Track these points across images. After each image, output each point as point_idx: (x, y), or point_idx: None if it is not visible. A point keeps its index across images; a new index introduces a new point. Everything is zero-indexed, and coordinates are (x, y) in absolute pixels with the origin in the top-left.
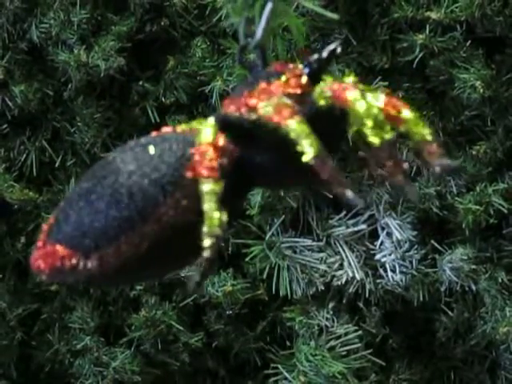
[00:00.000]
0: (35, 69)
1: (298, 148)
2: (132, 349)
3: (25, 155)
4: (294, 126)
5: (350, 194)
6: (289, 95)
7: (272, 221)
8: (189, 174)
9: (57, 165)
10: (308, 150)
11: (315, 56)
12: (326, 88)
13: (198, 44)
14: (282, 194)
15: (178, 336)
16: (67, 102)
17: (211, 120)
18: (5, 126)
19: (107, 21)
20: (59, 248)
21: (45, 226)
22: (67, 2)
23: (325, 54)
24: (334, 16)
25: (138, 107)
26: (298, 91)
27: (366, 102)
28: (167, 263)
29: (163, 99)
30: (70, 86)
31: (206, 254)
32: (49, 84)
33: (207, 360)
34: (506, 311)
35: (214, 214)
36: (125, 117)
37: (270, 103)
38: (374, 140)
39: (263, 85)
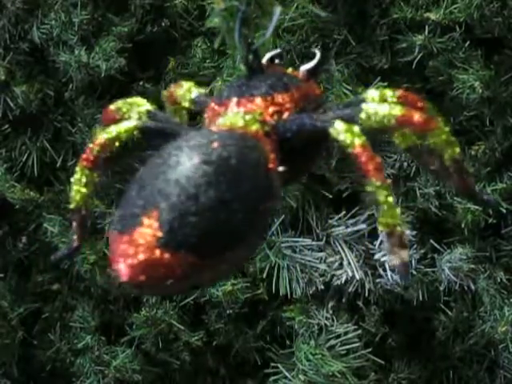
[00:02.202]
0: (36, 69)
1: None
2: (133, 348)
3: (26, 155)
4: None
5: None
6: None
7: (272, 220)
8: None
9: (58, 165)
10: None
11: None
12: (385, 111)
13: (199, 45)
14: (282, 193)
15: (179, 335)
16: (68, 102)
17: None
18: (6, 126)
19: (108, 22)
20: (179, 256)
21: (143, 233)
22: (68, 3)
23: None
24: (321, 13)
25: None
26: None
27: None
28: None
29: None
30: (70, 86)
31: (404, 254)
32: (50, 84)
33: (207, 359)
34: (505, 310)
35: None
36: None
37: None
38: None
39: (257, 100)
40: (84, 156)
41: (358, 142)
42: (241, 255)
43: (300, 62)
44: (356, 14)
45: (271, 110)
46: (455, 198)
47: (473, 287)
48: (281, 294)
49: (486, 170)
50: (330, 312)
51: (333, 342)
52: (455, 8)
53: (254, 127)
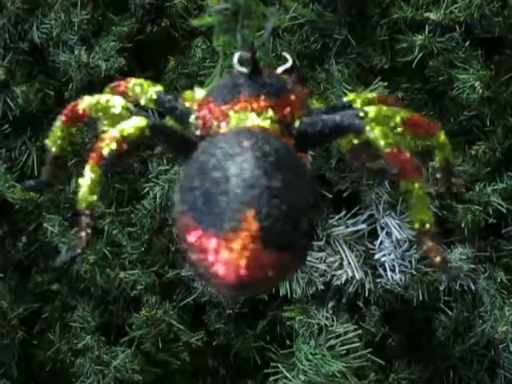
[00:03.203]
0: (36, 69)
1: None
2: (133, 348)
3: (26, 155)
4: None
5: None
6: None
7: None
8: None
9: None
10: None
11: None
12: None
13: (199, 45)
14: None
15: (179, 335)
16: (68, 102)
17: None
18: (6, 126)
19: (108, 21)
20: (277, 254)
21: (243, 234)
22: (68, 3)
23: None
24: (304, 11)
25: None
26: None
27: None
28: None
29: None
30: (70, 86)
31: (441, 250)
32: (50, 84)
33: (207, 359)
34: (505, 310)
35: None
36: None
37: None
38: None
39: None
40: (94, 154)
41: (392, 141)
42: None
43: (300, 62)
44: (356, 13)
45: (282, 109)
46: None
47: (473, 287)
48: (281, 294)
49: (486, 169)
50: (330, 312)
51: (333, 341)
52: (455, 8)
53: (273, 126)
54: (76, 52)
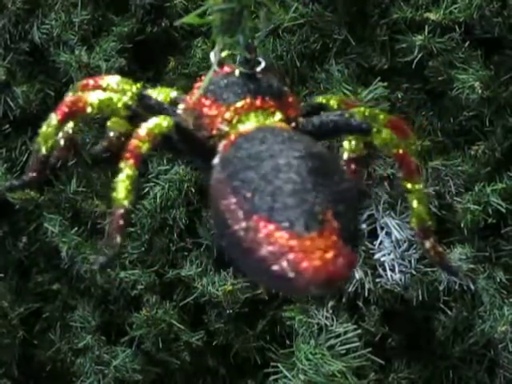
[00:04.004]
0: (37, 69)
1: None
2: (133, 347)
3: (26, 155)
4: None
5: None
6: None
7: None
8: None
9: (58, 165)
10: None
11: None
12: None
13: (199, 45)
14: None
15: (179, 335)
16: None
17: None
18: (6, 126)
19: (108, 22)
20: (353, 252)
21: (327, 233)
22: (68, 3)
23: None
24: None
25: None
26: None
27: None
28: None
29: None
30: (71, 86)
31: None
32: (50, 84)
33: (207, 358)
34: (505, 310)
35: None
36: None
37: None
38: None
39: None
40: (131, 154)
41: (399, 144)
42: None
43: (300, 62)
44: (356, 14)
45: (286, 109)
46: (455, 198)
47: (472, 287)
48: (280, 293)
49: (486, 170)
50: (330, 312)
51: (333, 341)
52: (455, 8)
53: (286, 124)
54: (76, 52)
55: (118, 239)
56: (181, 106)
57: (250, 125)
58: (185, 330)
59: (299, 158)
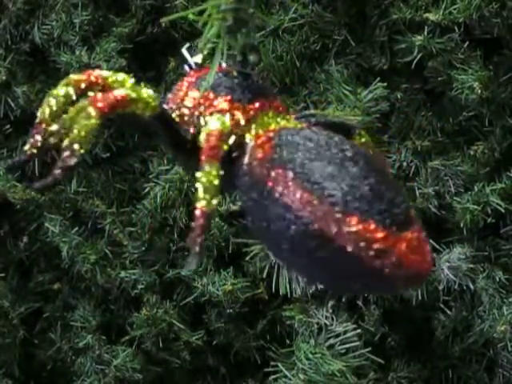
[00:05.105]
0: (37, 70)
1: None
2: (133, 347)
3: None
4: None
5: None
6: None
7: None
8: None
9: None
10: None
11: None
12: None
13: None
14: None
15: (179, 334)
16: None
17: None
18: (7, 126)
19: (109, 22)
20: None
21: (415, 232)
22: (69, 4)
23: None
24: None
25: None
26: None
27: None
28: None
29: None
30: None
31: None
32: (51, 85)
33: (208, 358)
34: (504, 310)
35: None
36: None
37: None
38: None
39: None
40: (211, 152)
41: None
42: None
43: (300, 62)
44: (355, 14)
45: (283, 110)
46: (454, 198)
47: (472, 287)
48: (281, 293)
49: (485, 170)
50: (330, 311)
51: (332, 341)
52: (454, 9)
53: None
54: (77, 53)
55: (202, 239)
56: (165, 106)
57: (272, 125)
58: (185, 329)
59: (357, 155)
